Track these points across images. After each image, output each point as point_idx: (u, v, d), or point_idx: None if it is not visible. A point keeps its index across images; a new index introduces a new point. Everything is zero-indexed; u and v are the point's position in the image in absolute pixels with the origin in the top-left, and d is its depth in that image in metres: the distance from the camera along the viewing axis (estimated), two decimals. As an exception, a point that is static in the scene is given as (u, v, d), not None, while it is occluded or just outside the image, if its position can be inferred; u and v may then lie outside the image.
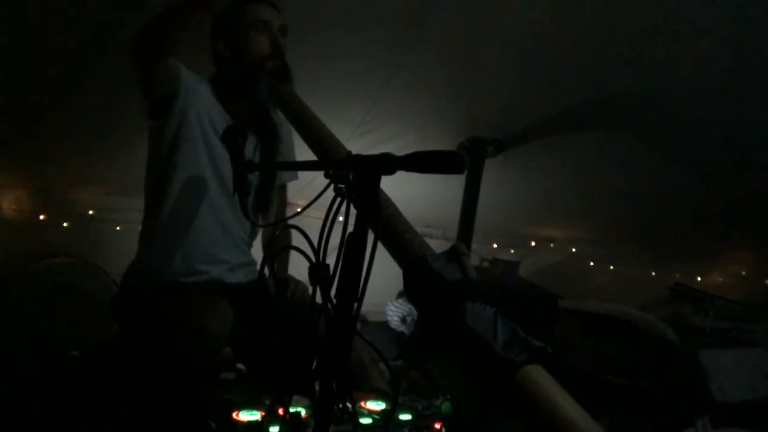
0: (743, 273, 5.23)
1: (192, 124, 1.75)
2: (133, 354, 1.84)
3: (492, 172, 3.14)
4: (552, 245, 4.81)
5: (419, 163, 1.00)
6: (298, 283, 1.85)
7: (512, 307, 1.37)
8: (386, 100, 2.65)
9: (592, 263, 4.98)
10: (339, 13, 2.14)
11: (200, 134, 1.76)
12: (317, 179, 1.07)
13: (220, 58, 1.84)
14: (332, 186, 1.03)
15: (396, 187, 1.50)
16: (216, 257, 1.81)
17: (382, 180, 1.03)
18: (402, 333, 3.48)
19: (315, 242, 1.04)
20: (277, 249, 1.81)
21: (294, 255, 1.07)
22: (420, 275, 1.45)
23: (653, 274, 5.07)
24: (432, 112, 2.84)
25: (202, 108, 1.77)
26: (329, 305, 1.03)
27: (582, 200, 3.83)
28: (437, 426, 1.77)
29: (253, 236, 1.97)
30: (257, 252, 1.93)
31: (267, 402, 1.65)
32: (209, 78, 1.85)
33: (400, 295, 3.54)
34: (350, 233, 1.01)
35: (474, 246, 3.70)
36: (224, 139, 1.48)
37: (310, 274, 1.04)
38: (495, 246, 4.59)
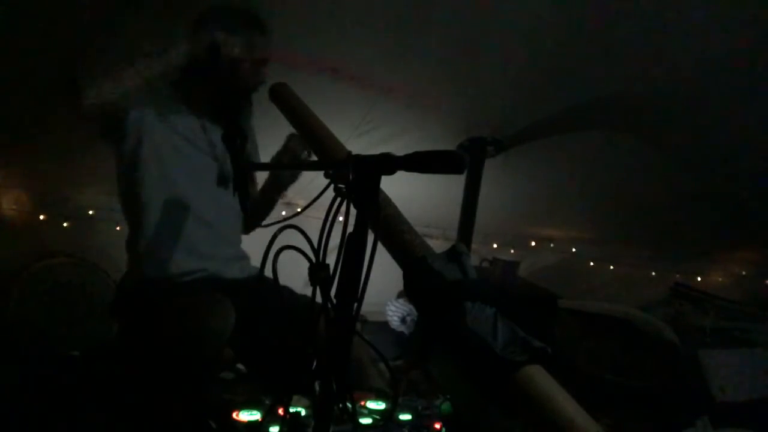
0: (743, 273, 5.23)
1: (152, 130, 1.78)
2: (134, 354, 1.84)
3: (492, 172, 3.14)
4: (552, 245, 4.81)
5: (419, 163, 1.01)
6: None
7: (512, 307, 1.37)
8: (386, 101, 2.65)
9: (592, 263, 4.98)
10: (339, 11, 2.14)
11: (163, 137, 1.79)
12: (317, 179, 1.07)
13: (194, 58, 1.80)
14: (332, 186, 1.03)
15: (396, 187, 1.50)
16: (204, 253, 1.82)
17: (382, 180, 1.03)
18: (402, 333, 3.49)
19: (315, 242, 1.04)
20: (271, 247, 1.82)
21: (294, 255, 1.07)
22: (420, 275, 1.45)
23: (653, 274, 5.08)
24: (432, 112, 2.84)
25: (161, 113, 1.80)
26: (329, 305, 1.03)
27: (582, 200, 3.83)
28: (437, 426, 1.77)
29: (237, 228, 1.98)
30: (255, 252, 1.93)
31: (267, 402, 1.65)
32: (172, 81, 1.85)
33: (400, 295, 3.55)
34: (350, 233, 1.01)
35: (474, 246, 3.69)
36: (224, 140, 1.49)
37: (310, 274, 1.04)
38: (495, 246, 4.59)
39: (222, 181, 1.91)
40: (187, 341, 1.53)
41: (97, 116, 1.73)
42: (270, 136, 2.29)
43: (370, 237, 1.02)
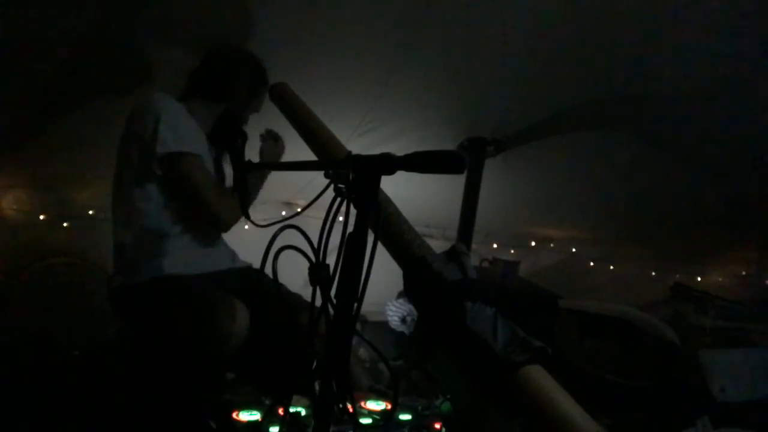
0: (743, 273, 5.22)
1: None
2: (141, 353, 1.85)
3: (492, 172, 3.14)
4: (552, 245, 4.81)
5: (419, 163, 1.00)
6: None
7: (512, 307, 1.37)
8: (386, 100, 2.65)
9: (592, 263, 4.97)
10: (339, 13, 2.14)
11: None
12: (317, 179, 1.07)
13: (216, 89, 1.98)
14: (332, 186, 1.03)
15: (396, 187, 1.50)
16: (201, 250, 1.86)
17: (382, 180, 1.03)
18: (402, 333, 3.48)
19: (315, 242, 1.04)
20: (271, 247, 1.84)
21: (294, 255, 1.07)
22: (420, 275, 1.45)
23: (653, 274, 5.07)
24: (432, 112, 2.84)
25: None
26: (329, 305, 1.03)
27: (582, 200, 3.83)
28: (437, 426, 1.77)
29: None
30: (255, 252, 1.94)
31: (267, 402, 1.65)
32: (181, 96, 1.96)
33: (400, 295, 3.53)
34: (350, 233, 1.01)
35: (474, 246, 3.69)
36: (225, 140, 1.50)
37: (310, 274, 1.04)
38: (495, 246, 4.59)
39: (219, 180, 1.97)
40: (208, 344, 1.55)
41: None
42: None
43: (370, 237, 1.02)
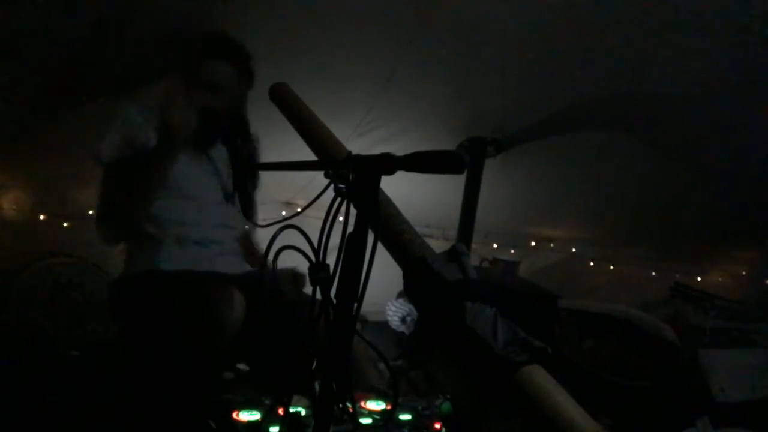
0: (743, 273, 5.22)
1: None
2: (141, 349, 1.85)
3: (492, 172, 3.14)
4: (552, 245, 4.81)
5: (419, 163, 1.00)
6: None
7: (512, 307, 1.37)
8: (386, 100, 2.65)
9: (592, 263, 4.98)
10: (339, 12, 2.14)
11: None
12: (317, 179, 1.07)
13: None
14: (332, 186, 1.03)
15: (396, 187, 1.50)
16: (206, 240, 1.86)
17: (382, 180, 1.03)
18: (402, 333, 3.48)
19: (315, 242, 1.04)
20: (271, 247, 1.85)
21: (294, 255, 1.07)
22: (420, 275, 1.45)
23: (653, 274, 5.07)
24: (432, 112, 2.84)
25: None
26: (329, 305, 1.03)
27: (582, 200, 3.83)
28: (437, 426, 1.77)
29: (233, 223, 2.00)
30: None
31: (267, 402, 1.65)
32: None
33: (400, 295, 3.54)
34: (350, 233, 1.01)
35: (474, 246, 3.69)
36: (224, 140, 1.51)
37: (310, 274, 1.04)
38: (495, 246, 4.59)
39: (219, 176, 1.97)
40: (203, 332, 1.55)
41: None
42: (270, 135, 2.29)
43: (370, 237, 1.02)
